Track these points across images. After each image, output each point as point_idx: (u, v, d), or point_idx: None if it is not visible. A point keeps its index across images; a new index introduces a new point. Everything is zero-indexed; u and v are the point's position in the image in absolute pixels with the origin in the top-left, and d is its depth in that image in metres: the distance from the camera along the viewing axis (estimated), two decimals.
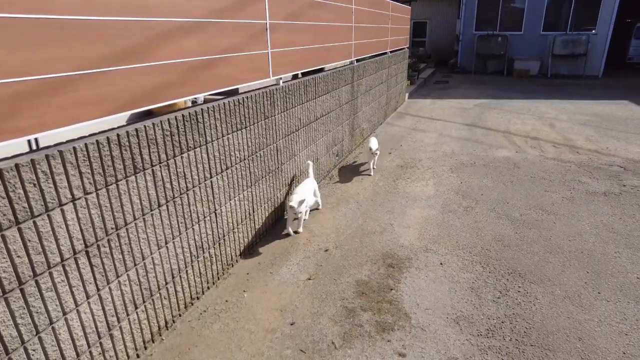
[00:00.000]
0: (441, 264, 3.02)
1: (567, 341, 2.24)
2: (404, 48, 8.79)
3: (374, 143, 4.75)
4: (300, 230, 3.49)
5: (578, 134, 6.49)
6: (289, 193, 3.72)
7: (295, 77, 4.09)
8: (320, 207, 3.90)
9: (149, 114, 2.33)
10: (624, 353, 2.15)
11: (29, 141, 1.65)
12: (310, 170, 3.79)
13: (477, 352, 2.19)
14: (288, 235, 3.43)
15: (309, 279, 2.88)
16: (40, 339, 1.68)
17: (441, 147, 5.98)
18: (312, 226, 3.63)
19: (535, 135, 6.50)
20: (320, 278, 2.89)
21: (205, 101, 2.96)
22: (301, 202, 3.20)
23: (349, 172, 5.02)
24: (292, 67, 3.61)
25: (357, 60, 5.57)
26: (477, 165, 5.13)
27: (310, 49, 3.95)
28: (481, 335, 2.31)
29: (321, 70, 4.56)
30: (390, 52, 7.48)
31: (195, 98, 3.07)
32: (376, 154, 4.73)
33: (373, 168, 4.92)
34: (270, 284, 2.84)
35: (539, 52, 14.18)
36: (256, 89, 3.21)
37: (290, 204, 3.17)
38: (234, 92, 3.02)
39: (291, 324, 2.44)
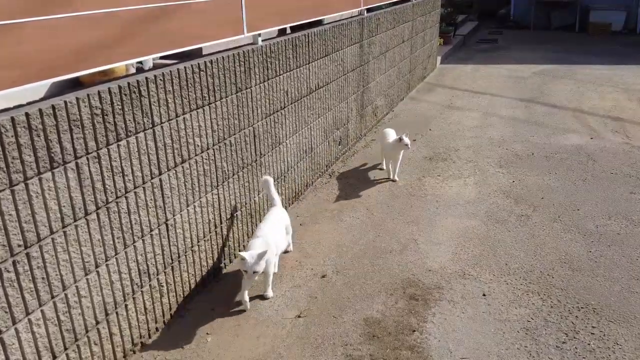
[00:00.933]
0: (484, 295, 3.06)
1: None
2: None
3: (392, 135, 4.65)
4: (270, 294, 3.09)
5: None
6: (230, 228, 3.42)
7: (282, 33, 4.10)
8: (290, 248, 3.57)
9: (76, 85, 2.34)
10: None
11: None
12: (273, 191, 3.45)
13: None
14: (243, 310, 2.97)
15: (299, 317, 2.92)
16: None
17: (486, 132, 6.06)
18: (303, 243, 3.68)
19: (618, 115, 6.59)
20: (315, 315, 2.92)
21: (155, 67, 2.98)
22: (261, 256, 2.72)
23: (357, 167, 5.09)
24: (276, 19, 3.63)
25: (368, 10, 5.62)
26: (536, 157, 5.22)
27: None
28: None
29: (318, 23, 4.58)
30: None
31: (140, 62, 3.08)
32: (406, 145, 4.41)
33: (395, 177, 4.73)
34: (245, 324, 2.87)
35: (625, 0, 14.26)
36: (224, 50, 3.22)
37: (243, 256, 2.71)
38: (195, 55, 3.04)
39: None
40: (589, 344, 2.65)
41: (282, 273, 3.31)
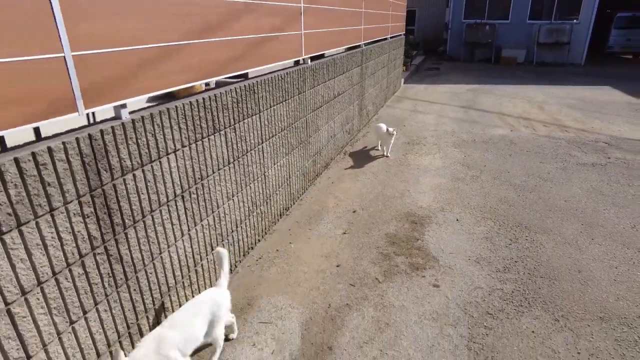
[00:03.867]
0: (457, 220, 3.48)
1: (569, 273, 2.74)
2: (401, 34, 9.18)
3: (383, 129, 4.94)
4: None
5: (566, 115, 7.04)
6: (293, 183, 3.62)
7: (313, 59, 4.43)
8: (234, 334, 2.19)
9: (169, 97, 2.40)
10: (615, 280, 2.65)
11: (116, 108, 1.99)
12: (225, 265, 2.13)
13: (497, 283, 2.65)
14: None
15: (344, 233, 3.29)
16: (154, 265, 2.05)
17: (442, 127, 6.43)
18: (337, 193, 4.04)
19: (526, 116, 7.02)
20: (354, 232, 3.31)
21: (217, 85, 3.05)
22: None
23: (360, 149, 5.42)
24: (317, 47, 3.97)
25: (365, 45, 5.93)
26: (477, 142, 5.61)
27: (332, 31, 4.32)
28: (499, 271, 2.78)
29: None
30: (390, 37, 7.86)
31: (207, 82, 3.28)
32: (393, 134, 4.80)
33: (388, 154, 5.05)
34: (311, 237, 3.24)
35: (525, 41, 14.78)
36: (286, 68, 3.56)
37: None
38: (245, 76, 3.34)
39: (337, 266, 2.86)
40: (524, 245, 3.10)
41: (327, 211, 3.68)
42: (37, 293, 1.45)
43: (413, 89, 9.77)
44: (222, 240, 2.63)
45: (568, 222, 3.41)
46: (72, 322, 1.60)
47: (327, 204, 3.79)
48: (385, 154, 5.10)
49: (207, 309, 1.94)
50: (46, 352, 1.50)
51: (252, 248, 3.05)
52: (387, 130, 4.88)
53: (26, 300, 1.42)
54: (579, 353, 2.09)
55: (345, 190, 4.11)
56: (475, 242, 3.14)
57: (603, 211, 3.58)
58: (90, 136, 1.60)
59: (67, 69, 1.47)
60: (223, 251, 2.16)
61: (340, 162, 4.88)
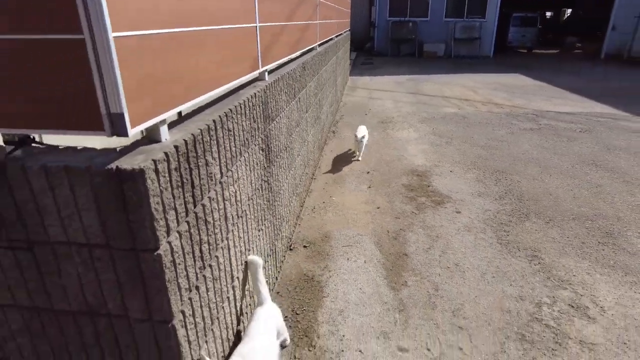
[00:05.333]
0: (451, 171, 4.42)
1: (544, 196, 3.79)
2: (348, 30, 10.11)
3: (360, 131, 4.65)
4: None
5: (495, 96, 8.51)
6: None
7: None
8: (287, 343, 2.05)
9: None
10: (574, 197, 3.75)
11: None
12: (261, 277, 1.80)
13: (499, 206, 3.60)
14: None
15: (370, 187, 4.04)
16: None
17: (402, 109, 7.45)
18: (343, 162, 4.75)
19: (466, 98, 8.34)
20: (377, 186, 4.07)
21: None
22: None
23: (344, 129, 6.17)
24: (286, 49, 4.64)
25: (321, 44, 6.70)
26: (436, 119, 6.69)
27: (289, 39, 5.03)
28: (497, 199, 3.74)
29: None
30: (338, 35, 8.73)
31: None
32: (362, 141, 4.60)
33: (359, 158, 4.76)
34: (345, 192, 3.94)
35: (443, 36, 16.70)
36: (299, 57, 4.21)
37: None
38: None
39: (377, 208, 3.61)
40: (507, 182, 4.12)
41: (346, 173, 4.40)
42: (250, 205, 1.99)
43: (360, 80, 10.76)
44: (297, 184, 3.23)
45: (529, 166, 4.53)
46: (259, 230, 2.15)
47: (342, 170, 4.50)
48: (357, 157, 4.81)
49: (273, 325, 1.74)
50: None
51: (304, 202, 3.67)
52: (356, 136, 4.63)
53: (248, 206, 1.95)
54: (567, 238, 3.09)
55: (348, 159, 4.84)
56: (471, 184, 4.09)
57: (550, 158, 4.78)
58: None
59: (257, 36, 2.03)
60: (258, 260, 1.80)
61: (332, 139, 5.59)
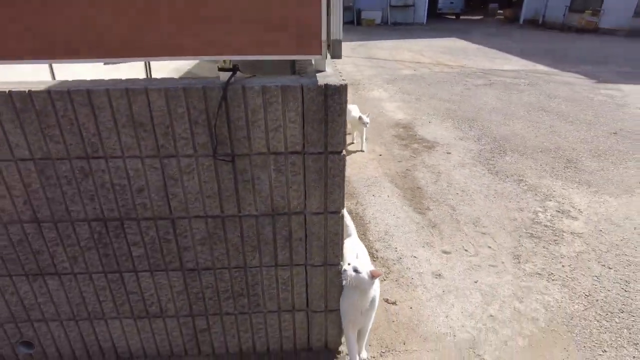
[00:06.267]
0: (429, 122, 4.98)
1: (513, 136, 4.47)
2: None
3: (355, 111, 3.98)
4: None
5: (442, 58, 9.25)
6: None
7: None
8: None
9: None
10: (535, 136, 4.48)
11: None
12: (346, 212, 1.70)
13: (480, 146, 4.22)
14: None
15: (366, 139, 4.46)
16: None
17: (364, 72, 7.89)
18: None
19: (417, 61, 8.98)
20: (372, 138, 4.50)
21: None
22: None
23: None
24: None
25: None
26: (398, 80, 7.23)
27: None
28: (476, 141, 4.35)
29: None
30: None
31: None
32: (366, 123, 3.86)
33: (364, 142, 4.06)
34: (359, 159, 4.32)
35: (379, 4, 17.26)
36: None
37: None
38: None
39: (380, 155, 4.05)
40: (479, 128, 4.75)
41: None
42: None
43: None
44: None
45: (493, 114, 5.23)
46: None
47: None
48: (361, 148, 4.08)
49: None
50: None
51: None
52: (360, 117, 3.86)
53: None
54: (540, 165, 3.78)
55: None
56: (450, 131, 4.68)
57: (507, 107, 5.52)
58: None
59: None
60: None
61: None
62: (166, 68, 3.89)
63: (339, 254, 1.60)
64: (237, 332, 1.75)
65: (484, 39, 12.30)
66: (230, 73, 1.30)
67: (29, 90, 1.26)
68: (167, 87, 1.27)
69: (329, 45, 1.25)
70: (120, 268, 1.57)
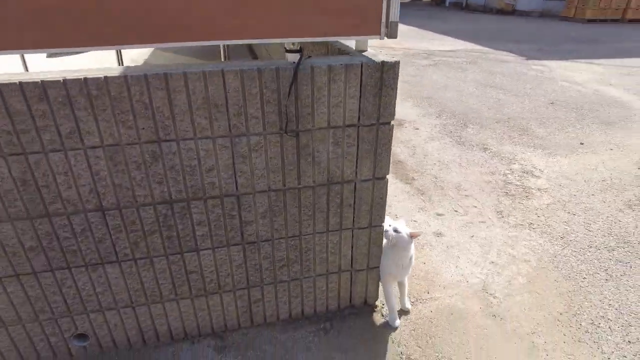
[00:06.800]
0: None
1: (470, 110, 4.91)
2: None
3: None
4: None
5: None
6: None
7: None
8: None
9: None
10: (489, 108, 4.96)
11: None
12: None
13: (442, 120, 4.60)
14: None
15: None
16: None
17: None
18: None
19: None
20: None
21: None
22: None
23: None
24: None
25: None
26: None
27: None
28: (437, 117, 4.73)
29: None
30: None
31: None
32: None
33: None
34: None
35: None
36: None
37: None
38: None
39: None
40: (436, 105, 5.15)
41: None
42: None
43: None
44: None
45: (447, 91, 5.67)
46: None
47: None
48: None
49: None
50: None
51: None
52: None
53: None
54: (499, 134, 4.23)
55: None
56: (412, 109, 5.02)
57: (458, 85, 6.00)
58: None
59: None
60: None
61: None
62: (123, 58, 3.79)
63: (382, 216, 1.79)
64: (289, 299, 1.89)
65: (417, 21, 12.96)
66: (299, 55, 1.41)
67: (105, 76, 1.28)
68: (242, 69, 1.36)
69: (386, 26, 1.41)
70: (182, 249, 1.63)
